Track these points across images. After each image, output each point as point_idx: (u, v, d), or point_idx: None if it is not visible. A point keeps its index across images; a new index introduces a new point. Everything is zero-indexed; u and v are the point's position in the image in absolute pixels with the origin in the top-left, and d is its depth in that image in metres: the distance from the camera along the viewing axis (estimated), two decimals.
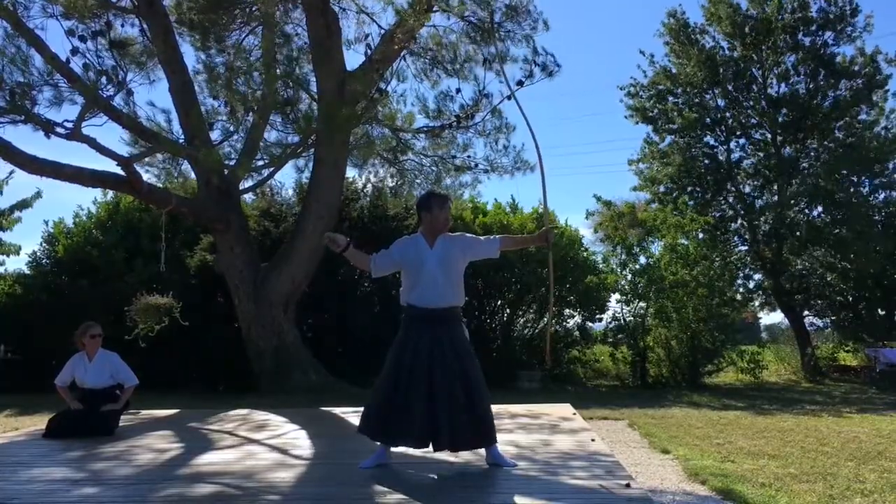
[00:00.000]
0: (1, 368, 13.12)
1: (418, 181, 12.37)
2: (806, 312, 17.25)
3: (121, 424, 6.00)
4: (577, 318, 14.07)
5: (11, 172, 10.92)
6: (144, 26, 10.74)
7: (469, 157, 11.81)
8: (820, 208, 16.50)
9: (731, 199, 17.35)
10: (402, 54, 11.12)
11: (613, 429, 7.23)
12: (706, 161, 17.03)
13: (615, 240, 14.39)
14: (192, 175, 11.62)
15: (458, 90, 11.25)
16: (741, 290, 15.82)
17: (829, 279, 16.50)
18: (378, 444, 4.21)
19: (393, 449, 4.23)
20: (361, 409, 4.37)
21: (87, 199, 49.06)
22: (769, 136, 16.88)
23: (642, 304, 13.53)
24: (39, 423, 6.61)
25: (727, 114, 16.95)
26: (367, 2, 11.31)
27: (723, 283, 13.47)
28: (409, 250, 4.25)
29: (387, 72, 11.25)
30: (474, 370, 4.11)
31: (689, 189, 16.97)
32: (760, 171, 16.90)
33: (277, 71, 10.54)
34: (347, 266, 8.58)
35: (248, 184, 11.98)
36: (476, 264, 6.22)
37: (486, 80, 11.16)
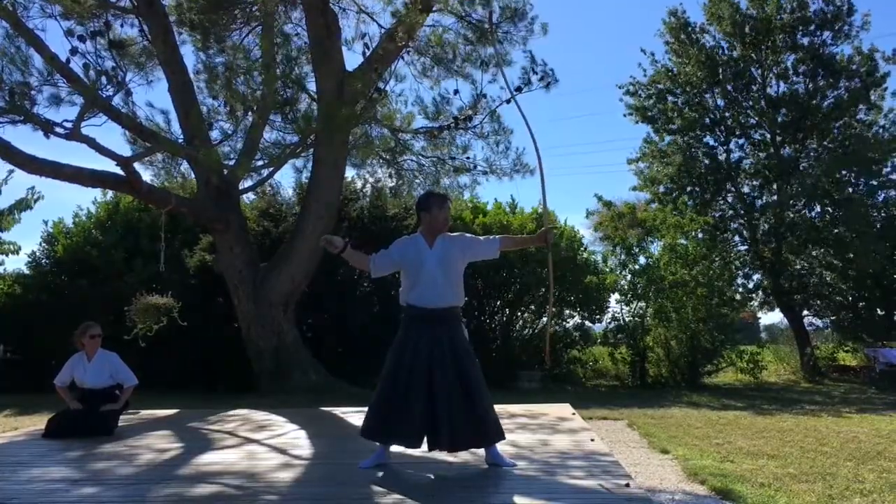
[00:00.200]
0: (0, 368, 13.11)
1: (418, 181, 12.38)
2: (805, 312, 17.25)
3: (120, 424, 6.00)
4: (577, 319, 14.08)
5: (11, 172, 10.90)
6: (144, 27, 10.74)
7: (468, 158, 11.83)
8: (819, 208, 16.51)
9: (730, 199, 17.36)
10: (400, 54, 11.13)
11: (613, 429, 7.23)
12: (706, 161, 17.04)
13: (615, 240, 14.40)
14: (192, 175, 11.62)
15: (456, 91, 11.29)
16: (740, 289, 15.85)
17: (828, 279, 16.51)
18: (377, 443, 4.21)
19: (392, 449, 4.23)
20: (361, 408, 4.37)
21: (87, 199, 49.12)
22: (768, 136, 16.89)
23: (642, 304, 13.53)
24: (39, 423, 6.61)
25: (726, 114, 16.96)
26: (366, 1, 11.34)
27: (722, 282, 13.48)
28: (408, 250, 4.25)
29: (386, 72, 11.26)
30: (474, 370, 4.11)
31: (689, 189, 16.98)
32: (760, 171, 16.91)
33: (277, 71, 10.54)
34: (347, 266, 8.57)
35: (247, 184, 11.98)
36: (476, 264, 6.22)
37: (484, 82, 11.20)
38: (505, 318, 13.94)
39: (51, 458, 4.80)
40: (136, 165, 10.16)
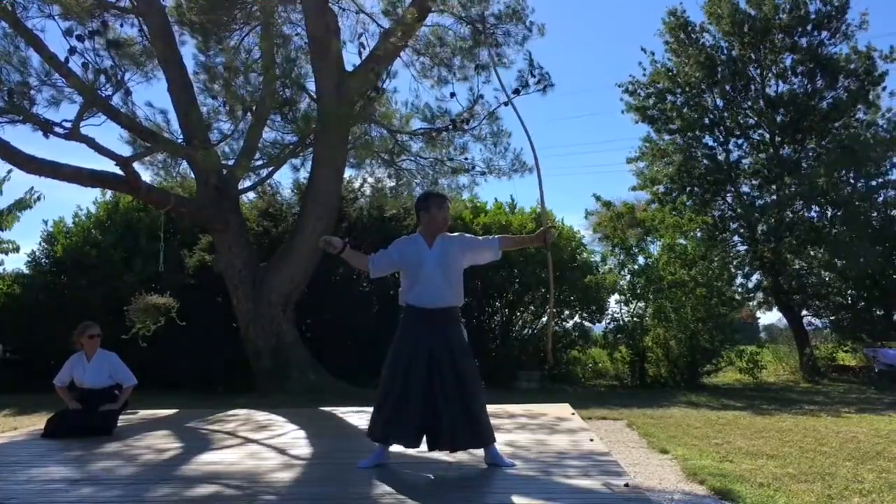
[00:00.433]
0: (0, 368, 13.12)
1: (417, 181, 12.38)
2: (804, 312, 17.25)
3: (119, 424, 6.01)
4: (577, 319, 14.08)
5: (10, 172, 10.89)
6: (144, 26, 10.73)
7: (466, 159, 11.85)
8: (818, 208, 16.52)
9: (730, 199, 17.37)
10: (399, 54, 11.13)
11: (612, 429, 7.23)
12: (705, 161, 17.05)
13: (614, 240, 14.40)
14: (191, 175, 11.61)
15: (453, 94, 11.30)
16: (740, 289, 15.85)
17: (827, 279, 16.51)
18: (377, 443, 4.21)
19: (391, 449, 4.24)
20: (360, 409, 4.38)
21: (87, 199, 49.07)
22: (768, 136, 16.90)
23: (641, 304, 13.54)
24: (38, 422, 6.61)
25: (725, 114, 16.97)
26: (366, 1, 11.34)
27: (721, 282, 13.49)
28: (407, 250, 4.25)
29: (384, 72, 11.26)
30: (471, 371, 4.11)
31: (689, 189, 16.98)
32: (759, 172, 16.92)
33: (276, 71, 10.54)
34: (346, 266, 8.59)
35: (246, 184, 11.98)
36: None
37: (481, 84, 11.24)
38: (504, 319, 13.95)
39: (50, 457, 4.80)
40: (136, 165, 10.16)
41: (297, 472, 4.19)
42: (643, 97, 17.27)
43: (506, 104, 10.72)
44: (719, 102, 16.97)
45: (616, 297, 13.85)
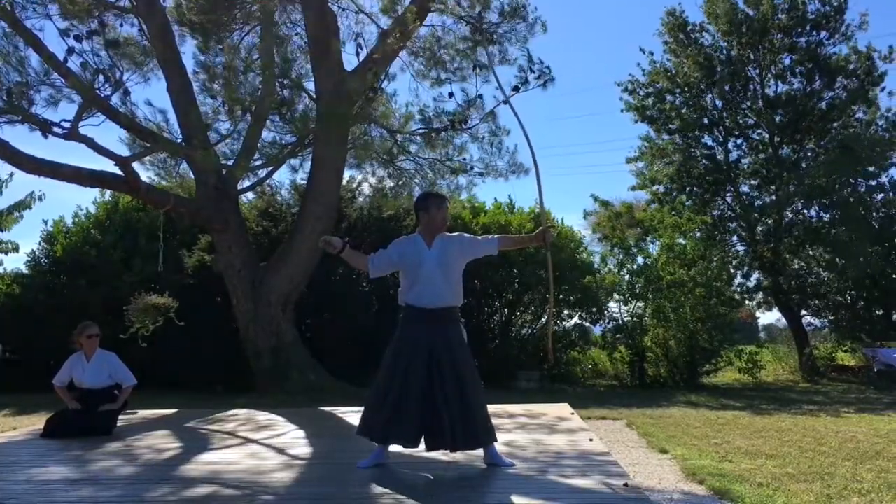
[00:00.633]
0: None
1: (416, 181, 12.38)
2: (804, 312, 17.26)
3: (119, 424, 6.01)
4: (576, 319, 14.08)
5: (11, 174, 10.88)
6: (143, 26, 10.73)
7: (465, 159, 11.86)
8: (817, 208, 16.53)
9: (729, 199, 17.37)
10: (399, 54, 11.13)
11: (611, 428, 7.24)
12: (704, 161, 17.05)
13: (613, 240, 14.40)
14: (191, 175, 11.61)
15: (451, 95, 11.30)
16: (739, 289, 15.85)
17: (826, 279, 16.52)
18: (376, 443, 4.21)
19: (391, 449, 4.24)
20: (360, 409, 4.37)
21: (87, 199, 49.01)
22: (767, 136, 16.90)
23: (640, 304, 13.54)
24: (38, 422, 6.61)
25: (724, 114, 16.97)
26: (366, 1, 11.34)
27: (720, 282, 13.49)
28: (407, 250, 4.25)
29: (383, 72, 11.26)
30: (470, 371, 4.11)
31: (688, 189, 16.99)
32: (758, 172, 16.93)
33: (276, 71, 10.54)
34: (346, 266, 8.59)
35: (246, 184, 11.98)
36: (475, 264, 6.21)
37: (480, 84, 11.24)
38: (504, 319, 13.95)
39: (49, 457, 4.80)
40: (135, 165, 10.16)
41: (297, 472, 4.19)
42: (642, 97, 17.27)
43: (504, 102, 10.73)
44: (718, 102, 16.97)
45: (615, 296, 13.86)
